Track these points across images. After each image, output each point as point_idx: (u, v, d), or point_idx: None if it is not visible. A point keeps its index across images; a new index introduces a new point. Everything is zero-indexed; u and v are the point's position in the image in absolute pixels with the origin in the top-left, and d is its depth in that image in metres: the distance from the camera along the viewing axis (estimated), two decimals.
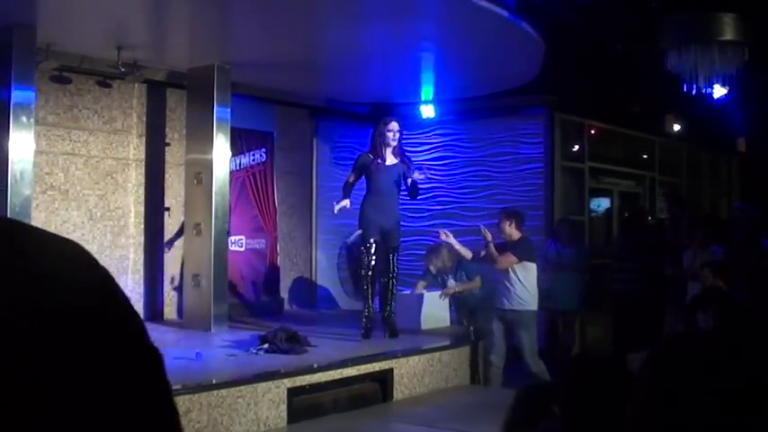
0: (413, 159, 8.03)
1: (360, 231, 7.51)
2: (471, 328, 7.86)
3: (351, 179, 7.45)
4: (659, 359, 1.01)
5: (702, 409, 0.90)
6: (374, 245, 7.16)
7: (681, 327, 6.72)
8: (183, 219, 8.51)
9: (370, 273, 7.17)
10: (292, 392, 5.53)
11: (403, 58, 8.45)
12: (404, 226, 11.25)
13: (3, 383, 0.46)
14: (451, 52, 8.43)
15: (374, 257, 7.15)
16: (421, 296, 8.09)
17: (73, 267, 0.55)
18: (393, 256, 7.28)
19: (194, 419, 4.90)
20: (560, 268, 8.56)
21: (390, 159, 7.26)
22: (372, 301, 7.21)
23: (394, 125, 7.34)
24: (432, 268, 8.18)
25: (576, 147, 10.75)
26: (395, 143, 7.28)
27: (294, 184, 10.40)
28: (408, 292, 8.59)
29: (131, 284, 8.51)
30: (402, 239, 11.19)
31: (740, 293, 6.56)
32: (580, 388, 1.94)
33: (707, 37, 7.17)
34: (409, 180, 7.24)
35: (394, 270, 7.29)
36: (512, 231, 7.22)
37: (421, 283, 8.29)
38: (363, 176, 7.36)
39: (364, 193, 7.40)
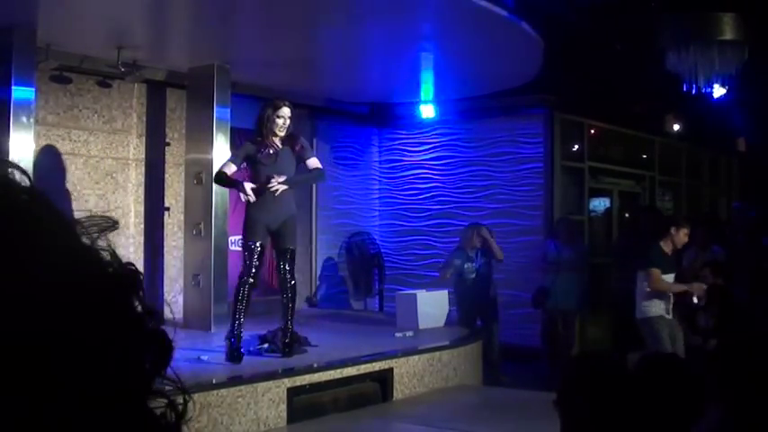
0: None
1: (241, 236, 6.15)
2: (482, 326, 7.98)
3: (229, 170, 6.02)
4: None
5: None
6: (259, 249, 5.94)
7: (682, 326, 6.73)
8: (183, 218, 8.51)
9: (250, 281, 5.90)
10: (292, 392, 5.53)
11: (402, 58, 8.45)
12: (404, 226, 11.36)
13: None
14: (451, 52, 8.43)
15: (257, 263, 5.94)
16: (416, 296, 8.07)
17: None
18: (285, 263, 6.00)
19: (194, 419, 4.90)
20: (560, 268, 8.56)
21: (278, 147, 6.01)
22: (243, 316, 5.91)
23: (285, 111, 5.98)
24: (470, 247, 8.24)
25: (576, 146, 10.76)
26: (282, 133, 5.97)
27: None
28: (408, 291, 8.59)
29: None
30: (400, 239, 11.31)
31: (740, 293, 6.57)
32: (580, 388, 1.95)
33: (707, 37, 7.18)
34: (308, 162, 6.11)
35: (289, 279, 6.00)
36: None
37: (448, 271, 8.31)
38: (247, 167, 6.12)
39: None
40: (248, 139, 6.18)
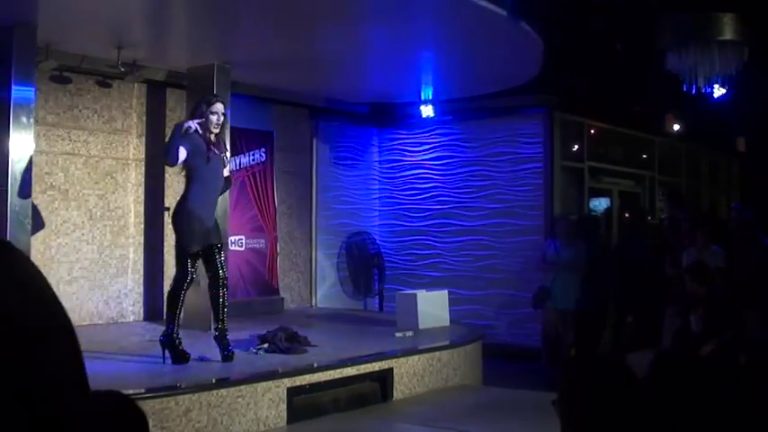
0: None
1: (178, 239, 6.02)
2: None
3: (182, 155, 5.83)
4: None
5: None
6: (199, 255, 5.90)
7: (679, 326, 6.71)
8: None
9: (187, 288, 5.90)
10: (292, 392, 5.53)
11: (402, 58, 8.45)
12: (404, 226, 11.37)
13: None
14: (451, 52, 8.43)
15: (194, 269, 5.91)
16: (416, 296, 8.06)
17: None
18: (219, 257, 5.92)
19: (194, 419, 4.90)
20: (559, 268, 8.56)
21: (211, 145, 5.91)
22: (179, 320, 5.95)
23: (219, 106, 5.86)
24: None
25: (576, 146, 10.76)
26: (217, 130, 5.88)
27: (294, 185, 10.40)
28: (408, 291, 8.58)
29: (131, 284, 8.50)
30: (400, 239, 11.31)
31: (739, 296, 6.55)
32: (580, 388, 1.94)
33: (707, 37, 7.17)
34: (224, 173, 6.06)
35: (223, 275, 5.95)
36: None
37: None
38: (188, 160, 5.86)
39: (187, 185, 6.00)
40: (186, 126, 5.86)
